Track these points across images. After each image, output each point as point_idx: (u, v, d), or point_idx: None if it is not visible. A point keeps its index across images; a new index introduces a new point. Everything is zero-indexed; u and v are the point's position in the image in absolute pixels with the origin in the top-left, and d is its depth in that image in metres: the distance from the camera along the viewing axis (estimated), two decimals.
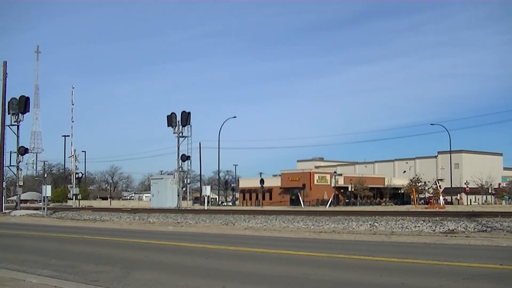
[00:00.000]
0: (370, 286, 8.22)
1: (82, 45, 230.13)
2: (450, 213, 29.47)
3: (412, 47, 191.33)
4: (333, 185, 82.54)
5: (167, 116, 51.96)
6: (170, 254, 13.03)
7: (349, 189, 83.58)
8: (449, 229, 18.70)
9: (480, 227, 18.77)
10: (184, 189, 58.88)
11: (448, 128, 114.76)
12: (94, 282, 8.55)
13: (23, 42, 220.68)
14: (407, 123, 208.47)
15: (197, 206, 65.76)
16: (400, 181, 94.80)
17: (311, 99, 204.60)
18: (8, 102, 43.41)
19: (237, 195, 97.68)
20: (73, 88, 71.03)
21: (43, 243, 16.84)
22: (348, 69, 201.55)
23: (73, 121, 70.46)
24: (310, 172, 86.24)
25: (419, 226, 19.79)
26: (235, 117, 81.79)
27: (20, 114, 43.44)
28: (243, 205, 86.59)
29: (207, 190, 53.21)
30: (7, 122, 43.65)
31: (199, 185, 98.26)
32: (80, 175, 75.04)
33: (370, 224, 21.11)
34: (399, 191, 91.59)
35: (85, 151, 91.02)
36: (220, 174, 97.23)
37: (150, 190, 73.52)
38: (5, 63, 43.90)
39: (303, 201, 72.18)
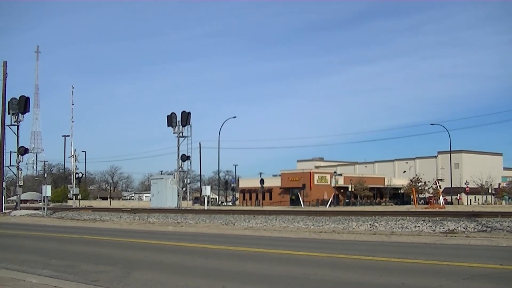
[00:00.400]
0: (370, 286, 8.22)
1: (82, 45, 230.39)
2: (450, 213, 29.47)
3: (412, 47, 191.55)
4: (333, 185, 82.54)
5: (167, 116, 51.97)
6: (170, 254, 13.03)
7: (349, 189, 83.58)
8: (449, 229, 18.70)
9: (480, 227, 18.77)
10: (184, 189, 58.88)
11: (448, 128, 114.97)
12: (94, 282, 8.55)
13: (23, 42, 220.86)
14: (407, 123, 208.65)
15: (197, 206, 65.75)
16: (400, 181, 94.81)
17: (311, 99, 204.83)
18: (8, 102, 43.42)
19: (237, 195, 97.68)
20: (73, 88, 71.15)
21: (43, 243, 16.84)
22: (348, 69, 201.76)
23: (73, 121, 70.56)
24: (310, 172, 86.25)
25: (419, 226, 19.79)
26: (235, 117, 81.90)
27: (20, 114, 43.46)
28: (243, 205, 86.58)
29: (207, 190, 53.21)
30: (7, 122, 43.72)
31: (199, 185, 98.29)
32: (80, 175, 75.07)
33: (370, 224, 21.11)
34: (399, 191, 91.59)
35: (85, 151, 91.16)
36: (220, 174, 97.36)
37: (150, 190, 73.55)
38: (5, 63, 43.94)
39: (303, 201, 72.17)
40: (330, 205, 65.81)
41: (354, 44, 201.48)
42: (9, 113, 43.52)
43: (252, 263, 11.12)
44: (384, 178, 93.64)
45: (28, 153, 47.45)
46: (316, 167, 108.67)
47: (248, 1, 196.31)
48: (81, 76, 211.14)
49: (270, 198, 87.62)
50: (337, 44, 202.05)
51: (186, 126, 51.89)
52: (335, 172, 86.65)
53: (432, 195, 78.99)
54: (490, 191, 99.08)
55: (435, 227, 19.37)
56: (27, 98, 44.29)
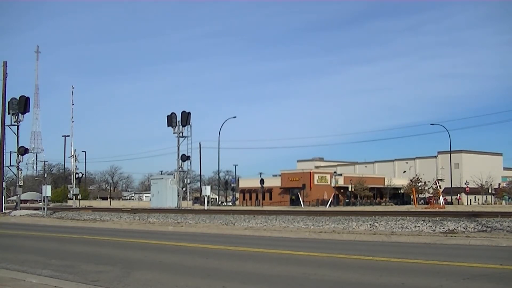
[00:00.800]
0: (370, 286, 8.22)
1: (82, 45, 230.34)
2: (450, 213, 29.47)
3: (412, 47, 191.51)
4: (333, 185, 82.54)
5: (167, 116, 51.99)
6: (170, 254, 13.03)
7: (349, 189, 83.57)
8: (449, 229, 18.70)
9: (480, 227, 18.78)
10: (184, 189, 58.89)
11: (448, 128, 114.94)
12: (94, 282, 8.55)
13: (23, 42, 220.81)
14: (407, 123, 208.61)
15: (197, 206, 65.74)
16: (400, 181, 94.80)
17: (311, 99, 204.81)
18: (8, 102, 43.43)
19: (237, 195, 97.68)
20: (73, 88, 71.10)
21: (43, 243, 16.84)
22: (348, 69, 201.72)
23: (73, 121, 70.51)
24: (310, 172, 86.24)
25: (419, 226, 19.80)
26: (235, 117, 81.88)
27: (20, 114, 43.48)
28: (243, 205, 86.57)
29: (207, 190, 53.21)
30: (7, 122, 43.75)
31: (199, 185, 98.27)
32: (80, 175, 75.04)
33: (370, 224, 21.11)
34: (399, 191, 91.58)
35: (85, 151, 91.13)
36: (220, 174, 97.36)
37: (150, 190, 73.56)
38: (5, 63, 43.95)
39: (303, 201, 72.16)
40: (330, 205, 65.81)
41: (354, 44, 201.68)
42: (9, 113, 43.54)
43: (252, 263, 11.12)
44: (384, 178, 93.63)
45: (28, 153, 47.50)
46: (316, 167, 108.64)
47: (248, 1, 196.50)
48: (81, 76, 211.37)
49: (270, 198, 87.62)
50: (337, 44, 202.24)
51: (186, 126, 51.93)
52: (335, 172, 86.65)
53: (432, 195, 78.99)
54: (490, 191, 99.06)
55: (435, 227, 19.37)
56: (27, 98, 44.30)
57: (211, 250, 13.84)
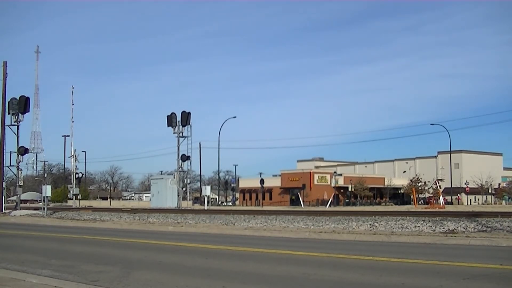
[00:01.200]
0: (370, 286, 8.21)
1: (82, 45, 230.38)
2: (450, 213, 29.47)
3: (412, 47, 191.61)
4: (333, 185, 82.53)
5: (167, 116, 51.99)
6: (170, 254, 13.03)
7: (349, 189, 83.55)
8: (449, 229, 18.70)
9: (480, 227, 18.77)
10: (184, 189, 58.88)
11: (448, 128, 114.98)
12: (94, 282, 8.55)
13: (23, 42, 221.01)
14: (407, 123, 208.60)
15: (197, 206, 65.75)
16: (400, 181, 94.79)
17: (311, 99, 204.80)
18: (8, 102, 43.43)
19: (237, 195, 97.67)
20: (73, 88, 71.06)
21: (43, 243, 16.84)
22: (348, 69, 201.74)
23: (73, 121, 70.46)
24: (310, 172, 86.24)
25: (419, 226, 19.79)
26: (235, 117, 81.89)
27: (20, 114, 43.49)
28: (243, 205, 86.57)
29: (207, 190, 53.20)
30: (7, 122, 43.76)
31: (199, 185, 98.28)
32: (80, 175, 74.99)
33: (370, 224, 21.11)
34: (399, 191, 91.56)
35: (85, 151, 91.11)
36: (220, 174, 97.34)
37: (150, 190, 73.56)
38: (5, 63, 43.95)
39: (303, 201, 72.15)
40: (330, 205, 65.80)
41: (354, 44, 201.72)
42: (9, 113, 43.55)
43: (252, 263, 11.12)
44: (384, 178, 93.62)
45: (28, 153, 47.46)
46: (316, 167, 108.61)
47: (248, 1, 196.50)
48: (81, 76, 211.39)
49: (270, 198, 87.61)
50: (337, 44, 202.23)
51: (186, 126, 51.93)
52: (335, 172, 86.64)
53: (432, 195, 78.99)
54: (490, 191, 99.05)
55: (435, 227, 19.37)
56: (27, 98, 44.31)
57: (211, 250, 13.84)
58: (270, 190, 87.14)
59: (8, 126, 43.71)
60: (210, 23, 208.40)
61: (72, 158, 69.85)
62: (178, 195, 52.79)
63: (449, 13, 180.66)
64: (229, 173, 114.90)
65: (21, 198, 47.31)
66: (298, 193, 77.05)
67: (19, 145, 44.45)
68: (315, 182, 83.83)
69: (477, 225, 19.24)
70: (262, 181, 78.86)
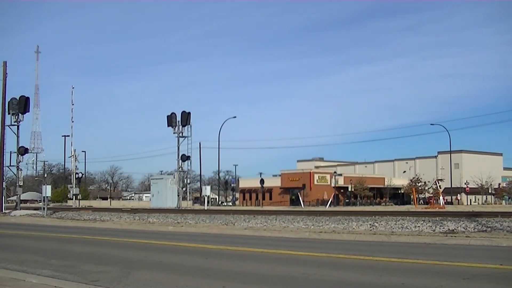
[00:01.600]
0: (370, 286, 8.21)
1: (82, 45, 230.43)
2: (450, 213, 29.47)
3: (412, 47, 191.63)
4: (333, 185, 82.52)
5: (167, 116, 51.99)
6: (170, 254, 13.02)
7: (349, 189, 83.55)
8: (449, 229, 18.70)
9: (480, 227, 18.77)
10: (184, 189, 58.88)
11: (448, 128, 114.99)
12: (94, 282, 8.54)
13: (23, 42, 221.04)
14: (407, 123, 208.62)
15: (197, 206, 65.75)
16: (400, 181, 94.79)
17: (311, 99, 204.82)
18: (8, 102, 43.43)
19: (237, 195, 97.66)
20: (73, 88, 71.11)
21: (43, 243, 16.84)
22: (348, 69, 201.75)
23: (73, 121, 70.50)
24: (310, 172, 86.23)
25: (419, 226, 19.79)
26: (235, 117, 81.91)
27: (20, 114, 43.48)
28: (243, 205, 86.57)
29: (207, 190, 53.19)
30: (7, 122, 43.74)
31: (199, 185, 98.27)
32: (80, 175, 75.02)
33: (370, 224, 21.10)
34: (399, 191, 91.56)
35: (85, 151, 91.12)
36: (220, 174, 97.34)
37: (150, 190, 73.55)
38: (5, 63, 43.94)
39: (303, 201, 72.15)
40: (330, 205, 65.80)
41: (354, 44, 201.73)
42: (9, 113, 43.54)
43: (252, 263, 11.12)
44: (384, 178, 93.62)
45: (28, 153, 47.44)
46: (316, 167, 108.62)
47: (248, 1, 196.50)
48: (81, 76, 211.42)
49: (270, 198, 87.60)
50: (337, 44, 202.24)
51: (186, 126, 51.93)
52: (335, 172, 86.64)
53: (432, 195, 78.98)
54: (490, 191, 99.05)
55: (435, 227, 19.37)
56: (27, 98, 44.30)
57: (211, 250, 13.83)
58: (270, 190, 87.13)
59: (8, 126, 43.71)
60: (210, 23, 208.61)
61: (72, 158, 69.89)
62: (178, 195, 52.78)
63: (449, 13, 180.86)
64: (229, 173, 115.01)
65: (21, 198, 47.31)
66: (298, 193, 77.04)
67: (19, 145, 44.47)
68: (315, 182, 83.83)
69: (477, 225, 19.24)
70: (262, 181, 78.86)
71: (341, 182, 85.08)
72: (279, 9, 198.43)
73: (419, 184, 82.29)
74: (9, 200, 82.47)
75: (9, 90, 44.57)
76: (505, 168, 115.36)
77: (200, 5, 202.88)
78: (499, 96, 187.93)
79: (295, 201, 77.25)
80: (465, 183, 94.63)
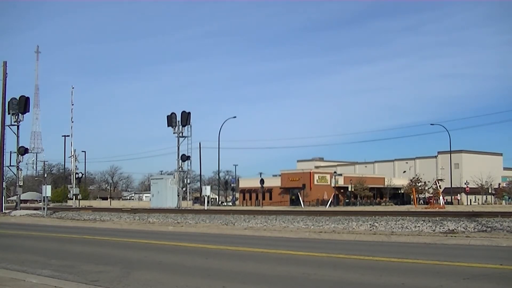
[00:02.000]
0: (370, 286, 8.21)
1: (82, 45, 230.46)
2: (450, 213, 29.47)
3: (412, 47, 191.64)
4: (333, 185, 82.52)
5: (167, 116, 52.00)
6: (170, 254, 13.03)
7: (349, 189, 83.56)
8: (449, 229, 18.70)
9: (480, 227, 18.77)
10: (184, 189, 58.88)
11: (448, 128, 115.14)
12: (94, 282, 8.55)
13: (23, 42, 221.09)
14: (407, 123, 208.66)
15: (197, 206, 65.75)
16: (400, 181, 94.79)
17: (311, 99, 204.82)
18: (8, 102, 43.42)
19: (237, 195, 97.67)
20: (73, 88, 71.05)
21: (43, 243, 16.84)
22: (348, 69, 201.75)
23: (73, 121, 70.44)
24: (310, 172, 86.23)
25: (419, 226, 19.79)
26: (235, 117, 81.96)
27: (20, 114, 43.48)
28: (243, 205, 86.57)
29: (207, 190, 53.19)
30: (7, 122, 43.73)
31: (199, 185, 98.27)
32: (80, 175, 75.02)
33: (370, 224, 21.10)
34: (399, 191, 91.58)
35: (85, 151, 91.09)
36: (220, 174, 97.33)
37: (150, 190, 73.55)
38: (5, 63, 43.92)
39: (303, 201, 72.15)
40: (330, 205, 65.80)
41: (354, 44, 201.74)
42: (9, 113, 43.54)
43: (252, 263, 11.12)
44: (384, 178, 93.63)
45: (28, 153, 47.45)
46: (316, 167, 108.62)
47: (248, 1, 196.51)
48: (81, 76, 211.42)
49: (270, 198, 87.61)
50: (337, 44, 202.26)
51: (186, 126, 51.94)
52: (335, 172, 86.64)
53: (432, 195, 78.99)
54: (490, 191, 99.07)
55: (435, 227, 19.37)
56: (27, 98, 44.31)
57: (211, 250, 13.83)
58: (270, 190, 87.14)
59: (8, 126, 43.70)
60: (210, 23, 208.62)
61: (72, 158, 69.88)
62: (178, 195, 52.79)
63: (449, 13, 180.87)
64: (229, 173, 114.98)
65: (21, 198, 47.31)
66: (298, 193, 77.04)
67: (19, 145, 44.48)
68: (315, 182, 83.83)
69: (477, 225, 19.23)
70: (262, 181, 78.86)
71: (341, 182, 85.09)
72: (279, 9, 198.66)
73: (419, 184, 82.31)
74: (9, 200, 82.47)
75: (9, 90, 44.64)
76: (505, 168, 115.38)
77: (200, 5, 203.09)
78: (499, 96, 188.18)
79: (295, 201, 77.24)
80: (465, 183, 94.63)
